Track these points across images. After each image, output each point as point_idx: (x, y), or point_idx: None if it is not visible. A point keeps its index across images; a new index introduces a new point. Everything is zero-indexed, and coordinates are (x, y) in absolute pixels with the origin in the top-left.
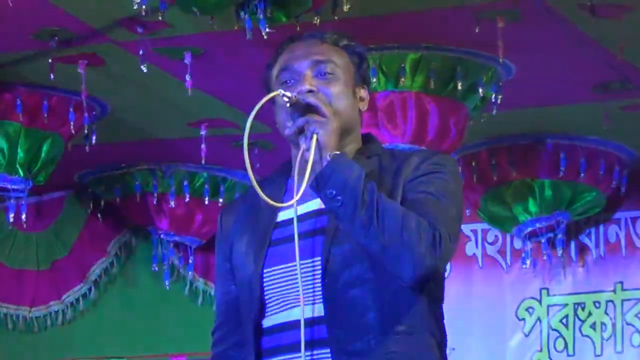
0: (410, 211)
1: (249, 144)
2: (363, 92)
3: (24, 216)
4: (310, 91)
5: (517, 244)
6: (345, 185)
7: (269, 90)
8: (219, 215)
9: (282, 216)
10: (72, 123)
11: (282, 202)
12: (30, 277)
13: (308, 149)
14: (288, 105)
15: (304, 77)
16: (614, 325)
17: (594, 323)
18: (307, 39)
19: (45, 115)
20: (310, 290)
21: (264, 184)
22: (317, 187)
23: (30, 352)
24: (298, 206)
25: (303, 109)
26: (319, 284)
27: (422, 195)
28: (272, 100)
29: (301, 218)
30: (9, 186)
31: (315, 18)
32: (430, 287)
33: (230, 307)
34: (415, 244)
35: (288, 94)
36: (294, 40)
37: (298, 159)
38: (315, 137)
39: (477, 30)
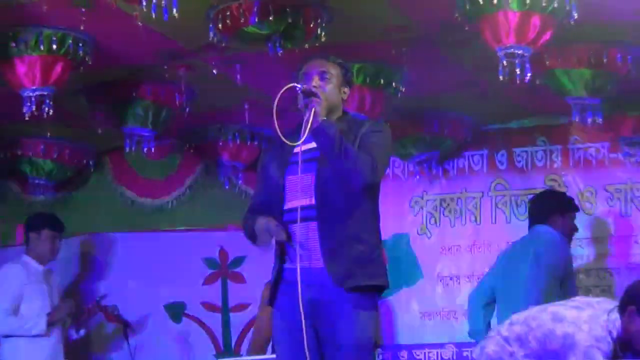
0: (361, 150)
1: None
2: (346, 90)
3: (145, 150)
4: (314, 86)
5: (411, 167)
6: (328, 136)
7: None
8: (262, 151)
9: (296, 150)
10: (177, 100)
11: (298, 142)
12: (153, 183)
13: (309, 117)
14: (300, 92)
15: (312, 79)
16: (461, 211)
17: (451, 209)
18: (319, 59)
19: (162, 96)
20: (308, 190)
21: (290, 131)
22: (314, 136)
23: (152, 223)
24: (306, 144)
25: (309, 94)
26: (313, 186)
27: (369, 143)
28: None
29: (306, 151)
30: (144, 133)
31: (306, 44)
32: (371, 192)
33: (261, 200)
34: (363, 167)
35: (299, 85)
36: (312, 59)
37: (305, 121)
38: (313, 110)
39: (393, 52)
